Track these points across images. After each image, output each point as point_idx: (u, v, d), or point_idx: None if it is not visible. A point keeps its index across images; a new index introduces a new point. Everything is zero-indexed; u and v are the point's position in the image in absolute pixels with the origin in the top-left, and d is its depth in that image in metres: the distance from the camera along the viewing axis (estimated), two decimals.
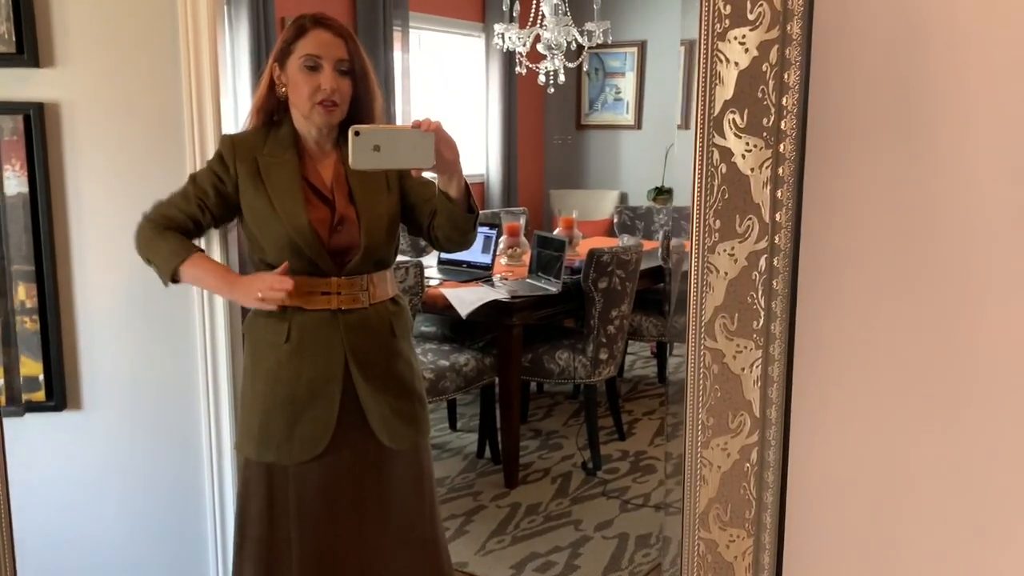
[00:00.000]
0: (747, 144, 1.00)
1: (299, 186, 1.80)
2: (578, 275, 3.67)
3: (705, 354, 1.01)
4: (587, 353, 3.63)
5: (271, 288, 1.72)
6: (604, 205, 6.18)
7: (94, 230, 2.06)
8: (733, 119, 1.00)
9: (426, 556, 2.01)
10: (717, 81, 1.00)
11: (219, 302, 2.11)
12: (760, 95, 1.00)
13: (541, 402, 4.56)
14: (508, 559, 3.00)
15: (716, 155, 1.00)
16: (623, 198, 6.28)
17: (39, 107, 2.00)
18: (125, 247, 1.98)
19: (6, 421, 1.87)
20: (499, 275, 3.87)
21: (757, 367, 1.01)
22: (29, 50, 1.96)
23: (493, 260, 3.96)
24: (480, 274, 3.83)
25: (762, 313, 1.01)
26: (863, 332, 1.05)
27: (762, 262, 1.00)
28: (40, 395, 2.06)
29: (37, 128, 2.01)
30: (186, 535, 2.17)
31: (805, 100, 1.00)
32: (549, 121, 6.81)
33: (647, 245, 4.20)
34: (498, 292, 3.53)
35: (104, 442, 2.12)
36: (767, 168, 1.00)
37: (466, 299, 3.45)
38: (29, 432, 2.08)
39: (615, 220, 5.31)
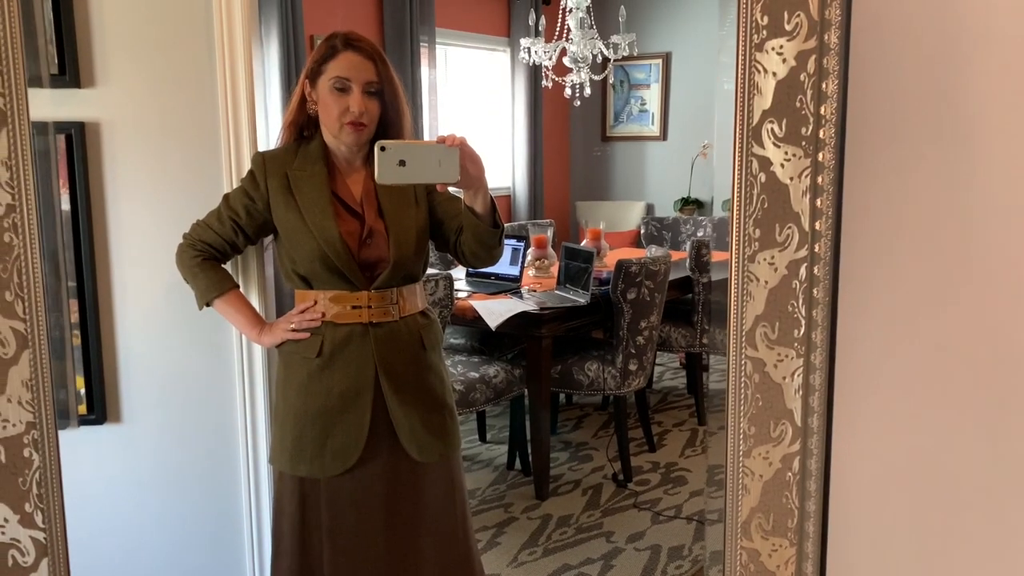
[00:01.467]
0: (786, 153, 1.00)
1: (328, 199, 1.82)
2: (606, 286, 3.67)
3: (746, 363, 1.01)
4: (616, 364, 3.62)
5: (303, 319, 1.85)
6: (630, 216, 6.17)
7: (134, 246, 2.09)
8: (771, 129, 1.01)
9: (459, 571, 2.00)
10: (755, 91, 1.00)
11: (257, 305, 2.14)
12: (798, 105, 1.01)
13: (570, 414, 4.56)
14: (540, 571, 2.99)
15: (755, 164, 1.00)
16: (649, 209, 6.28)
17: (80, 126, 2.04)
18: (164, 263, 2.02)
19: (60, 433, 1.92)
20: (527, 287, 3.88)
21: (798, 376, 1.01)
22: (71, 71, 2.01)
23: (521, 272, 3.97)
24: (508, 286, 3.85)
25: (803, 322, 1.00)
26: (905, 340, 1.04)
27: (802, 271, 1.00)
28: (83, 408, 2.10)
29: (79, 147, 2.05)
30: (223, 545, 2.19)
31: (843, 109, 1.01)
32: (575, 134, 6.83)
33: (675, 256, 4.19)
34: (527, 304, 3.54)
35: (143, 454, 2.15)
36: (806, 177, 1.00)
37: (495, 311, 3.47)
38: (71, 445, 2.11)
39: (642, 231, 5.31)
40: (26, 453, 0.96)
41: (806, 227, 1.01)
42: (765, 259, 1.02)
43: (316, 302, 1.87)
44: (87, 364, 2.10)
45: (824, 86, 1.01)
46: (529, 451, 3.73)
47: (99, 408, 2.12)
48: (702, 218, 5.17)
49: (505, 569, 3.00)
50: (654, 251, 4.17)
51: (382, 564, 1.92)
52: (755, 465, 1.03)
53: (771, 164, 1.01)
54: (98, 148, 2.06)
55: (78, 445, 2.11)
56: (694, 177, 6.07)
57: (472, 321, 3.50)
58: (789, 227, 1.01)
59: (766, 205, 1.00)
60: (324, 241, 1.79)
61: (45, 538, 1.01)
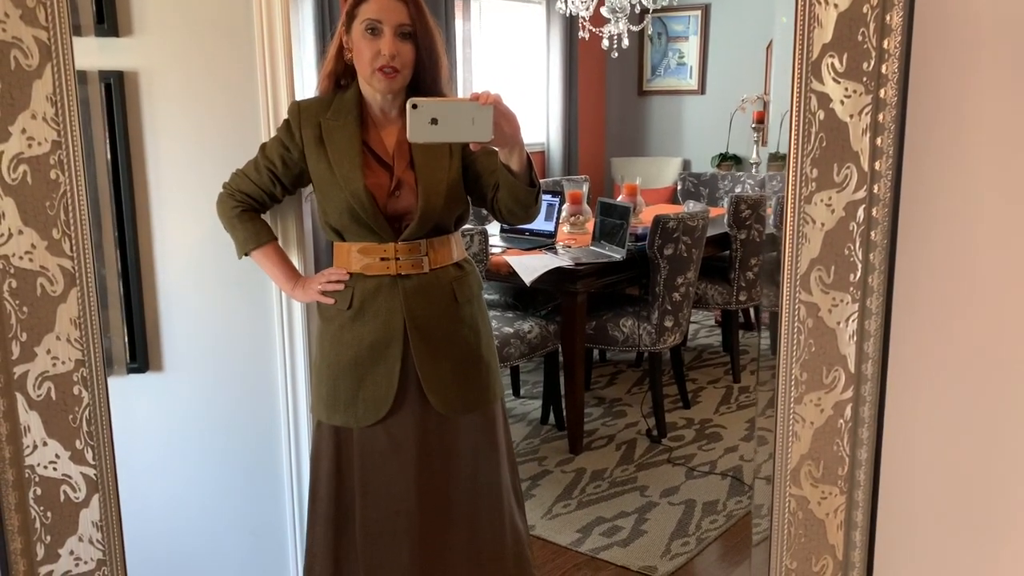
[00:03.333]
0: (846, 90, 0.96)
1: (358, 150, 1.80)
2: (642, 242, 3.63)
3: (800, 308, 0.98)
4: (652, 321, 3.59)
5: (328, 281, 1.87)
6: (666, 173, 6.08)
7: (173, 195, 2.09)
8: (832, 64, 0.96)
9: (493, 527, 1.99)
10: (815, 24, 0.96)
11: (295, 264, 2.14)
12: (860, 38, 0.96)
13: (604, 370, 4.55)
14: (575, 523, 3.01)
15: (814, 101, 0.96)
16: (686, 165, 6.18)
17: (119, 75, 2.04)
18: (203, 211, 2.02)
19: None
20: (562, 243, 3.85)
21: (853, 321, 0.98)
22: (109, 19, 1.99)
23: (556, 228, 3.94)
24: (543, 242, 3.82)
25: (859, 265, 0.97)
26: (965, 285, 1.00)
27: (860, 212, 0.96)
28: (124, 356, 2.12)
29: (118, 96, 2.05)
30: (263, 494, 2.22)
31: (908, 43, 0.96)
32: (611, 88, 6.72)
33: (713, 212, 4.13)
34: (562, 260, 3.51)
35: (185, 403, 2.18)
36: (867, 114, 0.96)
37: (530, 266, 3.44)
38: (113, 394, 2.14)
39: (678, 187, 5.23)
40: (75, 391, 0.97)
41: (865, 167, 0.97)
42: (822, 200, 0.98)
43: (348, 262, 1.88)
44: (128, 313, 2.11)
45: (888, 18, 0.96)
46: (563, 406, 3.73)
47: (141, 356, 2.14)
48: (740, 174, 5.09)
49: (540, 521, 3.02)
50: (692, 206, 4.11)
51: (414, 516, 1.92)
52: (806, 412, 1.01)
53: (830, 101, 0.97)
54: (137, 97, 2.05)
55: (119, 393, 2.14)
56: (732, 132, 5.96)
57: (507, 277, 3.48)
58: (848, 167, 0.98)
59: (824, 144, 0.96)
60: (350, 193, 1.78)
61: (96, 475, 1.02)
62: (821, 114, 0.97)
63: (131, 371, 2.13)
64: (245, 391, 2.18)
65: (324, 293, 1.90)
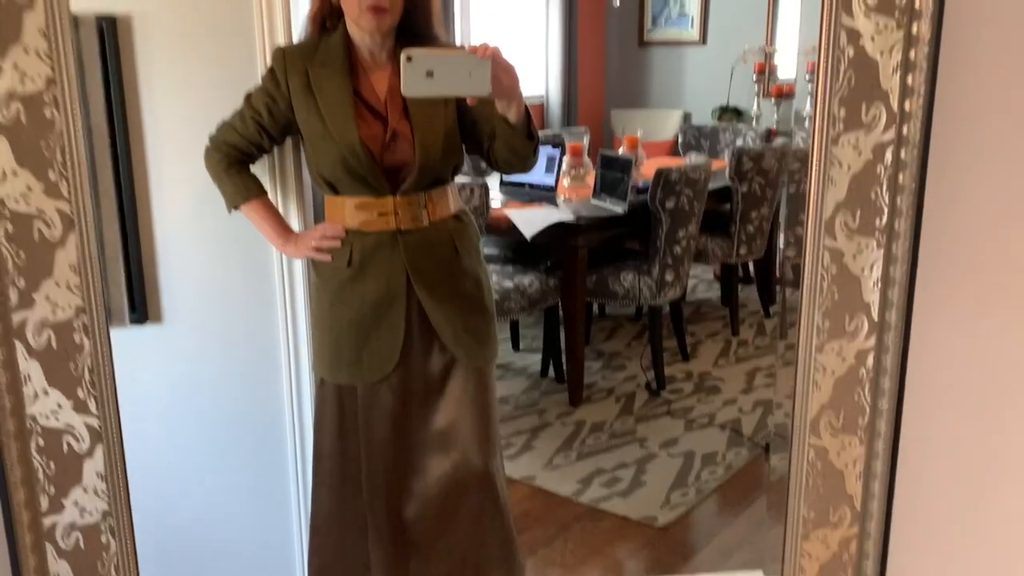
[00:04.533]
0: (877, 25, 0.91)
1: (350, 100, 1.72)
2: (643, 195, 3.58)
3: (824, 253, 0.94)
4: (652, 275, 3.56)
5: (324, 237, 1.80)
6: (667, 125, 5.99)
7: (169, 142, 2.03)
8: None
9: (477, 480, 1.94)
10: None
11: (294, 217, 2.09)
12: None
13: (603, 324, 4.53)
14: (575, 474, 3.01)
15: (843, 37, 0.91)
16: (686, 117, 6.08)
17: (112, 20, 1.97)
18: (200, 160, 1.97)
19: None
20: (563, 196, 3.80)
21: (878, 267, 0.94)
22: None
23: (557, 181, 3.88)
24: (543, 195, 3.76)
25: (886, 210, 0.93)
26: (997, 232, 0.97)
27: (888, 154, 0.92)
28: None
29: (111, 41, 1.97)
30: (266, 447, 2.20)
31: None
32: (611, 39, 6.57)
33: (714, 165, 4.07)
34: (563, 213, 3.46)
35: (185, 355, 2.14)
36: (898, 51, 0.91)
37: (530, 220, 3.40)
38: (113, 344, 2.11)
39: (679, 139, 5.16)
40: (76, 339, 0.93)
41: (895, 107, 0.93)
42: (849, 141, 0.94)
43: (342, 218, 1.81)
44: (127, 262, 2.07)
45: None
46: (563, 360, 3.71)
47: (140, 307, 2.10)
48: (741, 126, 5.01)
49: (540, 471, 3.02)
50: (694, 158, 4.06)
51: (413, 468, 1.90)
52: (827, 360, 0.98)
53: (860, 37, 0.92)
54: (130, 42, 1.98)
55: (116, 345, 2.10)
56: (734, 84, 5.86)
57: (507, 231, 3.44)
58: (877, 106, 0.93)
59: (853, 82, 0.92)
60: (345, 147, 1.70)
61: (99, 425, 0.99)
62: (850, 51, 0.93)
63: (131, 322, 2.10)
64: (246, 343, 2.15)
65: (319, 250, 1.83)
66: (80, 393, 0.96)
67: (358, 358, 1.83)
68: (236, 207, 1.85)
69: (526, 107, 1.67)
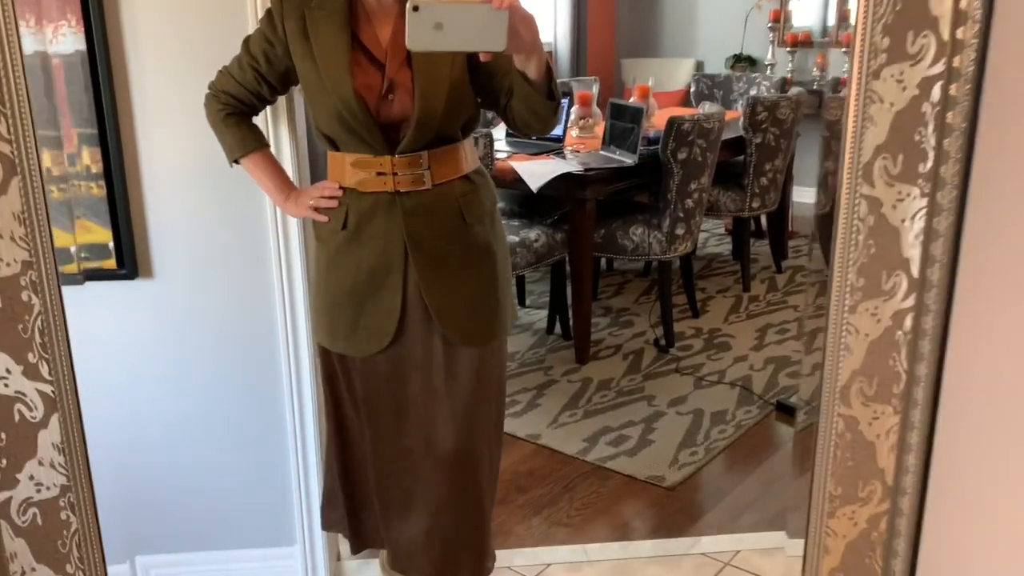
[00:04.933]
0: None
1: (346, 45, 1.55)
2: (654, 146, 3.44)
3: (860, 203, 0.83)
4: (663, 228, 3.44)
5: (321, 196, 1.68)
6: (678, 74, 5.80)
7: (157, 88, 1.91)
8: None
9: (462, 466, 1.80)
10: None
11: (289, 166, 1.98)
12: None
13: (611, 280, 4.42)
14: (581, 432, 2.93)
15: None
16: (699, 66, 5.88)
17: None
18: (191, 107, 1.84)
19: (70, 290, 1.84)
20: (570, 147, 3.66)
21: (920, 218, 0.83)
22: None
23: (565, 131, 3.74)
24: (551, 146, 3.62)
25: (931, 153, 0.82)
26: None
27: (936, 90, 0.80)
28: (111, 263, 1.98)
29: None
30: (263, 404, 2.11)
31: None
32: None
33: (728, 115, 3.92)
34: (570, 165, 3.33)
35: (177, 311, 2.05)
36: None
37: (537, 172, 3.27)
38: (101, 301, 2.02)
39: (692, 89, 4.98)
40: (24, 296, 0.83)
41: (945, 35, 0.81)
42: (892, 75, 0.82)
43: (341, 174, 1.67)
44: (113, 216, 1.97)
45: None
46: (570, 316, 3.62)
47: (129, 263, 2.00)
48: (756, 75, 4.83)
49: (545, 430, 2.94)
50: (707, 107, 3.90)
51: (406, 435, 1.79)
52: (861, 322, 0.87)
53: None
54: None
55: (106, 302, 2.02)
56: (748, 32, 5.65)
57: (512, 183, 3.31)
58: (925, 35, 0.81)
59: (899, 7, 0.80)
60: (338, 97, 1.55)
61: (53, 391, 0.89)
62: None
63: (118, 278, 2.00)
64: (240, 297, 2.05)
65: (317, 210, 1.70)
66: (31, 357, 0.87)
67: (354, 329, 1.71)
68: (236, 161, 1.73)
69: (548, 63, 1.47)
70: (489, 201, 1.74)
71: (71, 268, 1.96)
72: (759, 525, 2.44)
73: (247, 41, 1.67)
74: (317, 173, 1.98)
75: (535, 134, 1.64)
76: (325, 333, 1.77)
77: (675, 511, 2.51)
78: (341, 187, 1.66)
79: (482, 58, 1.33)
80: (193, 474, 2.15)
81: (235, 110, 1.70)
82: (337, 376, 1.82)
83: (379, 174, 1.61)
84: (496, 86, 1.59)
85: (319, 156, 1.93)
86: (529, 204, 3.61)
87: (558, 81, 1.54)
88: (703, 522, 2.46)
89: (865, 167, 0.83)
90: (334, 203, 1.67)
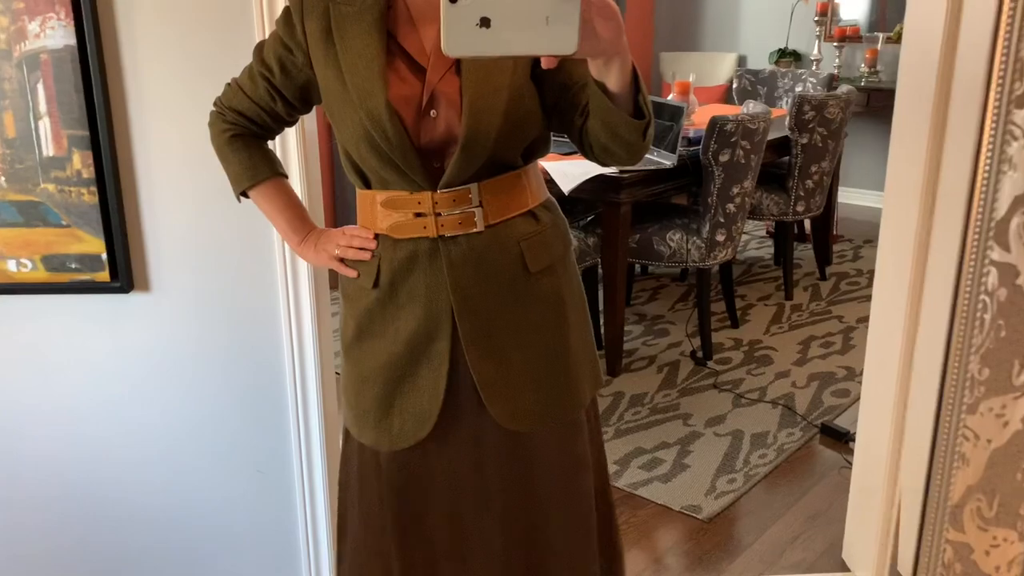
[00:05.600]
0: None
1: (378, 48, 1.20)
2: (695, 147, 3.19)
3: (989, 271, 0.60)
4: (702, 234, 3.19)
5: (350, 245, 1.33)
6: (720, 70, 5.51)
7: (154, 86, 1.73)
8: None
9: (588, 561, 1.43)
10: None
11: (295, 171, 1.79)
12: None
13: (645, 284, 4.18)
14: (611, 454, 2.71)
15: None
16: (741, 61, 5.59)
17: None
18: (191, 106, 1.65)
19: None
20: None
21: None
22: None
23: None
24: None
25: None
26: None
27: None
28: (104, 275, 1.80)
29: None
30: (267, 422, 1.93)
31: None
32: None
33: (773, 113, 3.66)
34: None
35: (176, 327, 1.87)
36: None
37: (569, 173, 3.04)
38: (93, 316, 1.85)
39: (734, 85, 4.70)
40: None
41: None
42: None
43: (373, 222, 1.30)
44: (107, 225, 1.79)
45: None
46: (602, 324, 3.40)
47: (123, 275, 1.82)
48: (801, 71, 4.54)
49: None
50: (752, 107, 3.64)
51: (479, 564, 1.39)
52: (982, 425, 0.65)
53: None
54: None
55: (99, 317, 1.85)
56: (793, 25, 5.35)
57: None
58: None
59: None
60: (366, 112, 1.19)
61: None
62: None
63: (112, 291, 1.83)
64: (243, 311, 1.86)
65: (343, 261, 1.36)
66: None
67: (386, 414, 1.33)
68: (244, 194, 1.40)
69: (634, 70, 1.07)
70: (561, 244, 1.33)
71: (62, 277, 1.80)
72: (802, 565, 2.21)
73: (260, 47, 1.33)
74: (347, 214, 1.75)
75: (617, 164, 1.22)
76: (353, 417, 1.39)
77: (712, 547, 2.29)
78: (374, 233, 1.31)
79: (544, 64, 0.95)
80: (192, 501, 1.98)
81: (243, 130, 1.38)
82: (353, 469, 1.43)
83: (417, 215, 1.25)
84: (569, 102, 1.22)
85: (348, 192, 1.69)
86: (560, 206, 3.39)
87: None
88: (743, 559, 2.24)
89: (998, 225, 0.61)
90: (366, 255, 1.31)
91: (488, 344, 1.28)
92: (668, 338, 3.56)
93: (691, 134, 3.29)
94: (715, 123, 2.99)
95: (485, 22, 0.86)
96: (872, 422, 2.03)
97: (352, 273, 1.34)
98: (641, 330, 3.64)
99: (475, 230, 1.25)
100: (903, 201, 1.82)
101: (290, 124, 1.42)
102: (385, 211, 1.27)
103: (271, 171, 1.39)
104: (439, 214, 1.24)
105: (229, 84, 1.38)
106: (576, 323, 1.36)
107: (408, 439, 1.32)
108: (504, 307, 1.28)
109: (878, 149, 5.29)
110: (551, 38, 0.86)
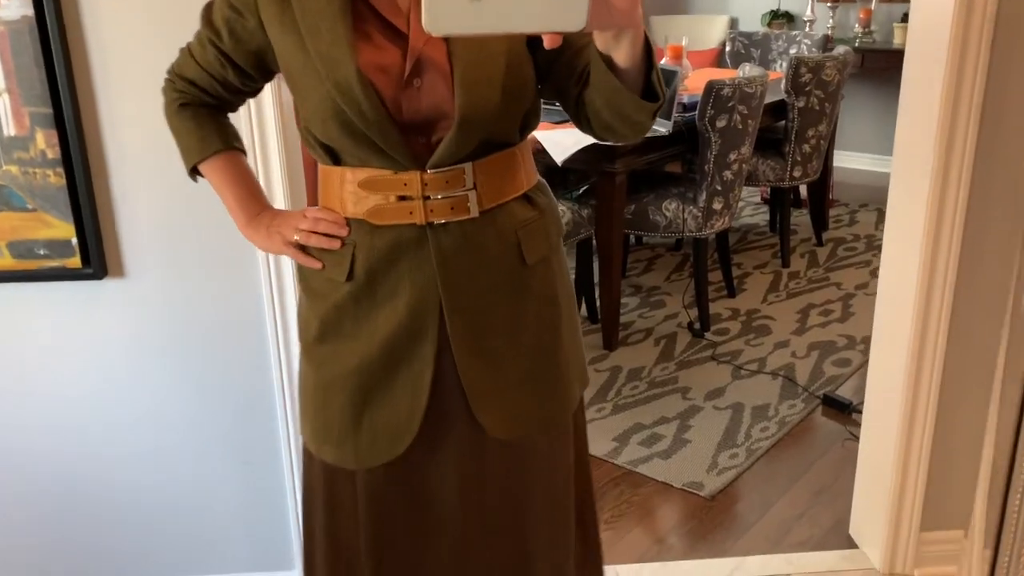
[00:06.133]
0: None
1: (342, 5, 1.04)
2: (690, 113, 3.09)
3: None
4: (699, 203, 3.10)
5: (313, 230, 1.15)
6: (711, 33, 5.37)
7: (119, 59, 1.61)
8: None
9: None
10: None
11: (273, 151, 1.68)
12: None
13: (640, 255, 4.09)
14: (610, 430, 2.64)
15: None
16: (733, 23, 5.45)
17: None
18: (159, 81, 1.55)
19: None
20: None
21: None
22: None
23: None
24: None
25: None
26: None
27: None
28: (75, 261, 1.70)
29: None
30: (253, 415, 1.84)
31: None
32: None
33: (770, 76, 3.55)
34: None
35: (153, 314, 1.77)
36: None
37: (562, 143, 2.93)
38: (65, 305, 1.75)
39: (727, 48, 4.58)
40: None
41: None
42: None
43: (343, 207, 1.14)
44: (76, 208, 1.68)
45: None
46: (596, 297, 3.32)
47: (96, 260, 1.72)
48: (795, 33, 4.42)
49: None
50: (748, 70, 3.52)
51: None
52: None
53: None
54: None
55: (72, 304, 1.75)
56: None
57: (535, 154, 2.99)
58: None
59: None
60: (334, 84, 1.04)
61: None
62: None
63: (84, 278, 1.73)
64: (224, 298, 1.76)
65: (304, 249, 1.18)
66: None
67: (355, 426, 1.16)
68: (195, 170, 1.25)
69: (647, 42, 0.91)
70: (556, 231, 1.21)
71: (30, 264, 1.69)
72: (809, 543, 2.16)
73: (208, 8, 1.17)
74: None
75: (617, 140, 1.10)
76: (311, 431, 1.22)
77: (715, 525, 2.23)
78: (343, 217, 1.15)
79: (548, 43, 0.77)
80: (180, 492, 1.90)
81: (193, 100, 1.22)
82: (318, 494, 1.26)
83: (402, 198, 1.09)
84: (565, 67, 1.07)
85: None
86: (552, 177, 3.28)
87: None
88: (747, 537, 2.18)
89: None
90: (335, 243, 1.14)
91: (479, 345, 1.14)
92: (664, 310, 3.48)
93: (685, 100, 3.19)
94: (712, 87, 2.88)
95: None
96: (880, 394, 1.96)
97: (315, 264, 1.17)
98: (637, 302, 3.56)
99: (469, 216, 1.11)
100: (914, 164, 1.73)
101: (249, 95, 1.26)
102: (362, 192, 1.11)
103: (223, 143, 1.23)
104: (428, 197, 1.09)
105: (182, 50, 1.23)
106: (567, 318, 1.23)
107: (379, 457, 1.16)
108: (498, 303, 1.14)
109: (874, 111, 5.18)
110: (555, 11, 0.71)
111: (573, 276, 3.51)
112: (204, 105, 1.23)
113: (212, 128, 1.23)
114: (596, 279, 3.25)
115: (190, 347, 1.79)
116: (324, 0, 1.04)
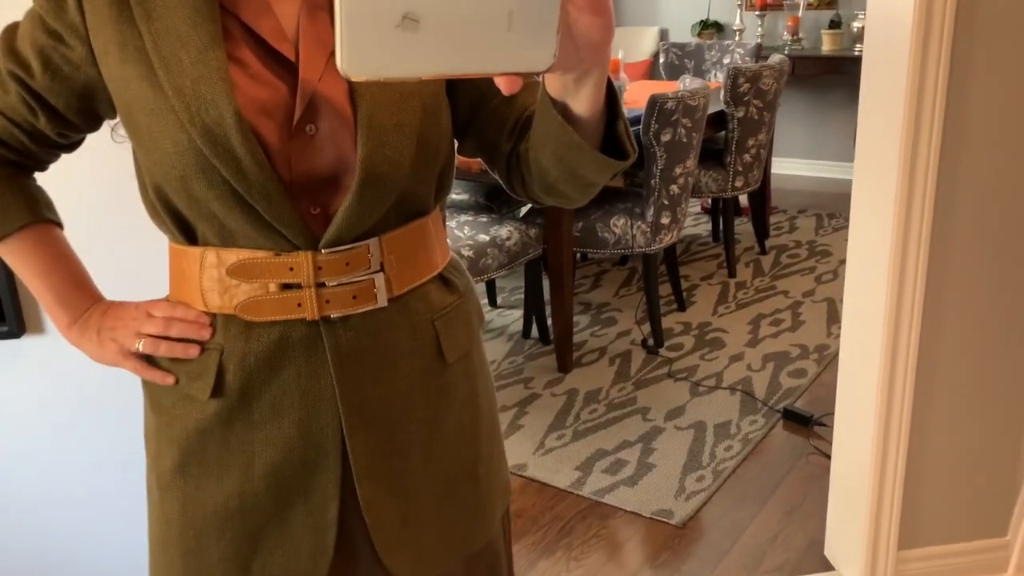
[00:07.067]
0: None
1: (214, 28, 0.78)
2: (635, 127, 3.04)
3: None
4: (647, 218, 3.05)
5: (165, 334, 0.87)
6: (643, 44, 5.37)
7: None
8: None
9: None
10: None
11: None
12: None
13: (586, 271, 4.03)
14: (572, 459, 2.55)
15: None
16: (663, 35, 5.47)
17: None
18: None
19: None
20: None
21: None
22: None
23: None
24: None
25: None
26: None
27: None
28: None
29: None
30: None
31: None
32: None
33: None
34: None
35: (76, 372, 1.61)
36: None
37: None
38: None
39: (660, 60, 4.57)
40: None
41: None
42: None
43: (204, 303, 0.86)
44: None
45: None
46: (548, 318, 3.23)
47: (12, 318, 1.55)
48: (728, 42, 4.44)
49: (531, 458, 2.56)
50: (688, 82, 3.50)
51: None
52: None
53: None
54: None
55: None
56: None
57: (478, 174, 2.88)
58: None
59: None
60: (201, 130, 0.77)
61: None
62: None
63: (2, 336, 1.55)
64: None
65: (150, 359, 0.90)
66: None
67: None
68: None
69: (610, 86, 0.70)
70: (477, 319, 0.99)
71: None
72: (785, 568, 2.10)
73: (9, 32, 0.86)
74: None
75: (561, 206, 0.88)
76: None
77: (689, 555, 2.16)
78: (204, 313, 0.87)
79: (505, 89, 0.56)
80: (118, 560, 1.73)
81: None
82: None
83: (287, 287, 0.83)
84: (492, 119, 0.87)
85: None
86: (496, 196, 3.20)
87: None
88: (723, 567, 2.11)
89: None
90: (194, 350, 0.87)
91: (387, 469, 0.89)
92: (616, 327, 3.42)
93: (627, 114, 3.13)
94: (655, 101, 2.84)
95: (410, 21, 0.50)
96: (852, 412, 1.91)
97: (167, 379, 0.88)
98: (588, 320, 3.49)
99: (375, 306, 0.85)
100: (878, 170, 1.69)
101: (65, 149, 0.93)
102: (232, 281, 0.83)
103: (30, 215, 0.90)
104: (322, 284, 0.83)
105: None
106: (488, 423, 1.01)
107: None
108: (411, 415, 0.90)
109: (805, 117, 5.26)
110: (515, 48, 0.53)
111: (522, 293, 3.43)
112: (2, 163, 0.90)
113: (14, 194, 0.90)
114: (547, 297, 3.17)
115: (123, 401, 1.63)
116: (186, 21, 0.78)
